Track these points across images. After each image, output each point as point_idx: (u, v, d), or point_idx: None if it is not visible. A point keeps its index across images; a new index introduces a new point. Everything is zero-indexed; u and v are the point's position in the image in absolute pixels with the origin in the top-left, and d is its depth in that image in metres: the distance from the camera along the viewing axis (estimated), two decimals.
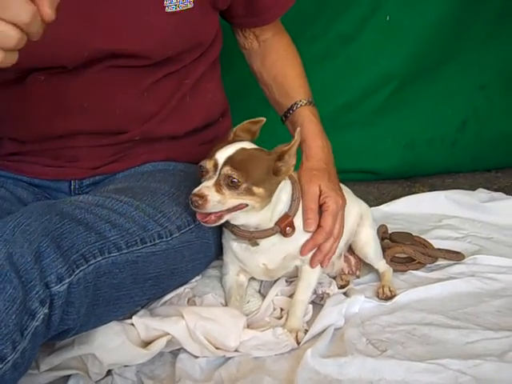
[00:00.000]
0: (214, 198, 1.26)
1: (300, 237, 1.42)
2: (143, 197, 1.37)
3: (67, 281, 1.09)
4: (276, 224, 1.38)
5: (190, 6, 1.43)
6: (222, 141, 1.37)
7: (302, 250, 1.43)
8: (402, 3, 2.38)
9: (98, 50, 1.39)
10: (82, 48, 1.38)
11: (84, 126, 1.46)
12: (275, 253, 1.44)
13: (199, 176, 1.31)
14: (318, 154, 1.51)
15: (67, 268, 1.10)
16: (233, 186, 1.27)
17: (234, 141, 1.34)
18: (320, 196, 1.44)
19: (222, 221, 1.31)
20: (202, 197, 1.25)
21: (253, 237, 1.39)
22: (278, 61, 1.66)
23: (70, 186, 1.52)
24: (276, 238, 1.41)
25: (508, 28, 2.47)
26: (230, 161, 1.27)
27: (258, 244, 1.41)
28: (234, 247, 1.46)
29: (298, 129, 1.37)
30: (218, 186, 1.27)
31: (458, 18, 2.41)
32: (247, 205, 1.30)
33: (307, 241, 1.43)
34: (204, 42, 1.54)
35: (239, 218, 1.34)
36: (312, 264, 1.46)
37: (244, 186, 1.27)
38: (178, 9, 1.41)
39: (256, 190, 1.29)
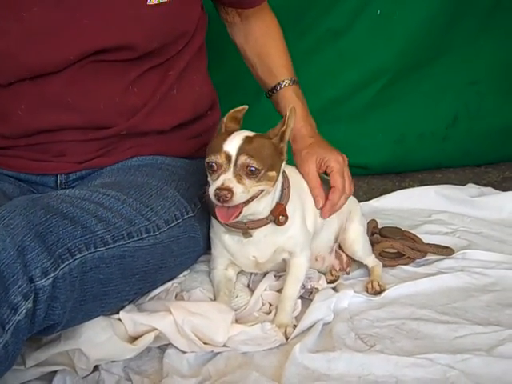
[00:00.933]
0: (238, 190, 1.25)
1: (290, 227, 1.42)
2: (130, 191, 1.36)
3: (52, 275, 1.08)
4: (270, 213, 1.38)
5: None
6: (216, 135, 1.36)
7: (323, 213, 1.50)
8: None
9: (84, 50, 1.39)
10: (67, 53, 1.39)
11: (69, 120, 1.44)
12: (266, 245, 1.44)
13: (209, 172, 1.29)
14: (304, 134, 1.57)
15: (52, 262, 1.09)
16: (252, 174, 1.27)
17: (230, 132, 1.33)
18: (320, 166, 1.51)
19: (242, 214, 1.30)
20: (228, 190, 1.24)
21: (247, 227, 1.39)
22: (260, 37, 1.69)
23: (57, 181, 1.50)
24: (268, 229, 1.40)
25: (498, 24, 2.48)
26: (243, 150, 1.27)
27: (251, 235, 1.41)
28: (226, 240, 1.45)
29: (291, 106, 1.37)
30: (238, 177, 1.26)
31: (449, 14, 2.41)
32: (263, 190, 1.31)
33: (324, 204, 1.49)
34: (188, 32, 1.53)
35: (250, 208, 1.33)
36: (324, 215, 1.51)
37: (262, 171, 1.28)
38: (161, 1, 1.41)
39: (271, 173, 1.30)
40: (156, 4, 1.41)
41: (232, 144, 1.28)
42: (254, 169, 1.26)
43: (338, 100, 2.44)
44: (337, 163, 1.51)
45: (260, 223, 1.39)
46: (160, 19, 1.43)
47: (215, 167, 1.28)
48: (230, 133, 1.32)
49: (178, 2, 1.44)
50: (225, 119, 1.35)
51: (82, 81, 1.42)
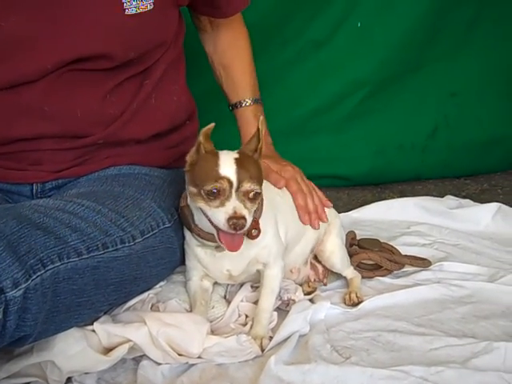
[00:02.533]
0: (247, 215, 1.26)
1: (263, 238, 1.42)
2: (106, 201, 1.35)
3: (23, 286, 1.07)
4: None
5: (150, 7, 1.42)
6: (201, 160, 1.31)
7: (304, 221, 1.55)
8: (373, 10, 2.40)
9: (61, 59, 1.39)
10: (45, 62, 1.38)
11: (46, 129, 1.43)
12: (240, 258, 1.43)
13: (210, 199, 1.26)
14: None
15: (24, 273, 1.07)
16: (254, 197, 1.29)
17: (212, 153, 1.31)
18: None
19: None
20: (243, 217, 1.25)
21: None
22: (227, 50, 1.73)
23: (33, 190, 1.49)
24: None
25: (478, 36, 2.51)
26: (243, 175, 1.27)
27: (224, 249, 1.39)
28: (198, 253, 1.45)
29: (261, 117, 1.38)
30: (242, 202, 1.27)
31: (430, 26, 2.44)
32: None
33: (299, 212, 1.54)
34: (166, 41, 1.53)
35: None
36: (314, 226, 1.56)
37: (260, 193, 1.30)
38: (139, 11, 1.40)
39: (261, 194, 1.33)
40: (134, 14, 1.40)
41: (228, 168, 1.27)
42: (257, 192, 1.28)
43: (319, 111, 2.46)
44: (288, 172, 1.59)
45: None
46: (138, 29, 1.42)
47: (217, 194, 1.26)
48: (213, 154, 1.30)
49: (156, 12, 1.44)
50: (202, 139, 1.32)
51: (59, 90, 1.42)
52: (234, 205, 1.25)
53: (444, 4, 2.41)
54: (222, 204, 1.26)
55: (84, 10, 1.37)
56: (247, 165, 1.30)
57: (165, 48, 1.53)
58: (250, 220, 1.28)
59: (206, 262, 1.45)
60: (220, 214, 1.25)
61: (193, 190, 1.30)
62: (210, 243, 1.40)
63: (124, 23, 1.40)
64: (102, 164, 1.51)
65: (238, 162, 1.29)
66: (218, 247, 1.40)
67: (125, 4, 1.39)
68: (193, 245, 1.45)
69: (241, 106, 1.70)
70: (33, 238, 1.13)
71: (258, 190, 1.28)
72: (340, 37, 2.41)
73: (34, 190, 1.49)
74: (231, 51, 1.72)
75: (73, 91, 1.42)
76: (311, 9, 2.36)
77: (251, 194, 1.28)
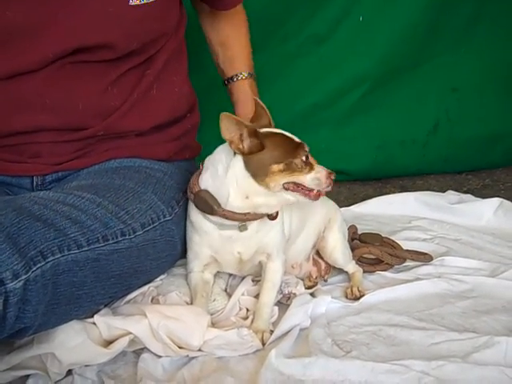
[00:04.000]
0: None
1: (273, 228, 1.45)
2: (106, 194, 1.35)
3: (23, 277, 1.07)
4: None
5: None
6: (273, 136, 1.37)
7: None
8: (375, 5, 2.39)
9: (63, 48, 1.38)
10: (47, 50, 1.37)
11: (47, 121, 1.43)
12: (252, 242, 1.45)
13: (302, 165, 1.35)
14: None
15: (24, 264, 1.07)
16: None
17: (269, 128, 1.40)
18: None
19: None
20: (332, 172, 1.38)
21: (246, 219, 1.39)
22: (226, 28, 1.74)
23: (33, 183, 1.48)
24: (258, 225, 1.43)
25: (480, 32, 2.50)
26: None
27: (246, 228, 1.41)
28: (212, 236, 1.44)
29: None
30: None
31: (431, 21, 2.43)
32: None
33: None
34: (168, 31, 1.53)
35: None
36: None
37: None
38: (142, 1, 1.40)
39: None
40: (138, 5, 1.41)
41: (297, 138, 1.37)
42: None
43: (320, 106, 2.44)
44: None
45: (258, 216, 1.40)
46: (141, 20, 1.42)
47: (306, 161, 1.35)
48: (275, 130, 1.39)
49: (159, 3, 1.44)
50: (248, 124, 1.37)
51: (61, 81, 1.41)
52: (319, 165, 1.37)
53: None
54: (312, 167, 1.35)
55: (87, 1, 1.37)
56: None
57: (166, 38, 1.53)
58: None
59: (218, 246, 1.45)
60: (319, 175, 1.35)
61: (277, 167, 1.34)
62: (234, 223, 1.41)
63: (127, 13, 1.40)
64: (102, 157, 1.50)
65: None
66: (241, 227, 1.41)
67: None
68: (206, 228, 1.43)
69: (237, 78, 1.71)
70: (33, 230, 1.12)
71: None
72: (341, 32, 2.40)
73: (34, 183, 1.48)
74: (230, 29, 1.73)
75: (74, 83, 1.42)
76: (313, 4, 2.35)
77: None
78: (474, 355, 1.30)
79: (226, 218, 1.39)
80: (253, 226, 1.42)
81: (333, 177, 1.37)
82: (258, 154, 1.35)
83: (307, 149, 1.36)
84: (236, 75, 1.71)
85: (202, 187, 1.40)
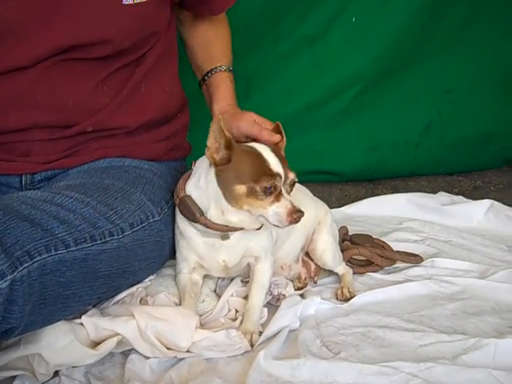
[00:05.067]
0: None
1: (259, 233, 1.42)
2: (95, 193, 1.34)
3: (9, 277, 1.06)
4: None
5: None
6: (246, 157, 1.31)
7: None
8: (368, 5, 2.39)
9: (56, 45, 1.38)
10: (40, 47, 1.37)
11: (37, 119, 1.42)
12: (236, 249, 1.43)
13: (265, 195, 1.28)
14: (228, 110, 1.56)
15: (10, 264, 1.06)
16: (293, 185, 1.34)
17: (251, 149, 1.32)
18: None
19: None
20: (301, 211, 1.29)
21: (228, 229, 1.38)
22: (208, 32, 1.70)
23: (22, 182, 1.47)
24: (242, 234, 1.41)
25: (473, 34, 2.50)
26: (285, 167, 1.31)
27: (228, 238, 1.41)
28: (196, 243, 1.44)
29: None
30: (288, 194, 1.31)
31: (424, 23, 2.43)
32: None
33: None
34: (159, 31, 1.53)
35: None
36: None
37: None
38: (136, 1, 1.41)
39: None
40: (131, 4, 1.41)
41: (276, 163, 1.30)
42: (296, 180, 1.32)
43: (312, 106, 2.44)
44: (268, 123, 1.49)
45: (238, 228, 1.39)
46: (134, 19, 1.43)
47: (271, 190, 1.28)
48: (250, 149, 1.32)
49: (152, 3, 1.44)
50: (228, 135, 1.31)
51: (52, 78, 1.41)
52: (288, 199, 1.29)
53: (439, 1, 2.40)
54: (277, 199, 1.28)
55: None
56: (280, 156, 1.33)
57: (158, 37, 1.53)
58: None
59: (203, 253, 1.45)
60: (280, 210, 1.28)
61: (240, 189, 1.29)
62: (216, 233, 1.40)
63: (120, 12, 1.40)
64: (91, 156, 1.49)
65: (275, 154, 1.31)
66: (223, 236, 1.40)
67: None
68: (191, 234, 1.43)
69: (216, 71, 1.63)
70: (19, 230, 1.12)
71: (297, 179, 1.32)
72: (334, 32, 2.40)
73: (23, 182, 1.47)
74: (211, 31, 1.70)
75: (65, 80, 1.42)
76: (306, 4, 2.34)
77: (293, 183, 1.33)
78: (463, 357, 1.30)
79: (207, 228, 1.38)
80: (235, 235, 1.41)
81: (297, 216, 1.27)
82: (225, 170, 1.31)
83: (278, 180, 1.28)
84: (215, 67, 1.64)
85: (187, 193, 1.39)
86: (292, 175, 1.31)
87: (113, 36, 1.41)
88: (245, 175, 1.29)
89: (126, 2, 1.40)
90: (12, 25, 1.36)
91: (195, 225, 1.40)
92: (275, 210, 1.28)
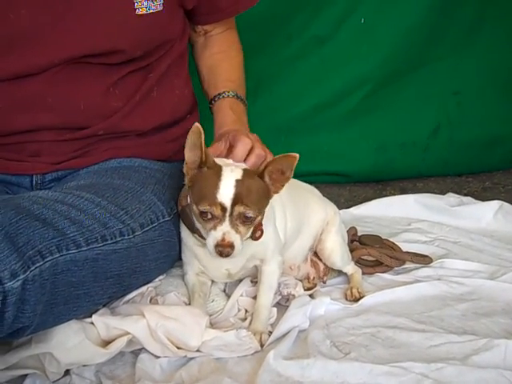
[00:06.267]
0: (238, 242, 1.26)
1: (265, 234, 1.40)
2: (105, 193, 1.34)
3: (22, 277, 1.06)
4: None
5: (159, 8, 1.44)
6: (203, 176, 1.28)
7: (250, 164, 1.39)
8: (377, 6, 2.39)
9: (69, 55, 1.39)
10: (53, 57, 1.39)
11: (48, 120, 1.43)
12: (239, 257, 1.40)
13: (203, 219, 1.26)
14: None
15: (22, 264, 1.07)
16: (247, 220, 1.27)
17: (216, 171, 1.27)
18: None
19: None
20: (231, 246, 1.25)
21: None
22: (216, 54, 1.68)
23: (32, 182, 1.48)
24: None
25: (482, 35, 2.50)
26: (238, 199, 1.25)
27: None
28: (197, 252, 1.44)
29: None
30: (235, 227, 1.26)
31: (433, 24, 2.42)
32: None
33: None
34: (172, 40, 1.54)
35: None
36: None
37: (256, 217, 1.28)
38: (149, 11, 1.42)
39: (259, 218, 1.31)
40: (144, 14, 1.42)
41: (226, 192, 1.25)
42: (249, 216, 1.26)
43: (321, 107, 2.44)
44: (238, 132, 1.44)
45: None
46: (147, 28, 1.44)
47: (210, 216, 1.26)
48: (216, 171, 1.27)
49: (165, 12, 1.46)
50: (204, 156, 1.27)
51: (63, 82, 1.42)
52: (223, 230, 1.25)
53: (448, 2, 2.40)
54: (215, 227, 1.26)
55: (95, 7, 1.39)
56: (248, 187, 1.27)
57: (171, 44, 1.54)
58: (240, 246, 1.26)
59: (205, 262, 1.45)
60: (210, 239, 1.26)
61: (193, 206, 1.30)
62: None
63: (134, 22, 1.42)
64: (101, 156, 1.50)
65: (239, 184, 1.26)
66: None
67: (136, 4, 1.41)
68: (191, 244, 1.44)
69: (218, 98, 1.60)
70: (31, 230, 1.12)
71: (251, 214, 1.26)
72: (343, 33, 2.40)
73: (34, 182, 1.48)
74: (221, 55, 1.67)
75: (76, 84, 1.43)
76: (315, 5, 2.34)
77: (244, 218, 1.26)
78: (473, 358, 1.30)
79: (202, 238, 1.37)
80: None
81: (223, 250, 1.24)
82: (191, 187, 1.31)
83: (217, 210, 1.23)
84: (219, 94, 1.60)
85: (189, 201, 1.36)
86: (240, 209, 1.24)
87: (126, 46, 1.43)
88: (195, 195, 1.29)
89: (140, 12, 1.42)
90: (23, 32, 1.37)
91: (195, 235, 1.41)
92: (208, 235, 1.27)
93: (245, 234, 1.28)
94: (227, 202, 1.24)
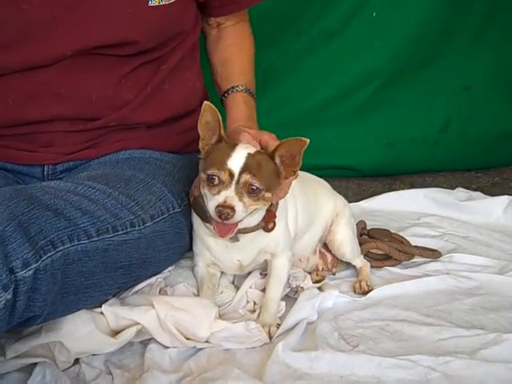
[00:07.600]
0: (239, 208, 1.26)
1: (274, 231, 1.42)
2: (117, 184, 1.35)
3: (33, 266, 1.07)
4: (262, 220, 1.38)
5: (172, 0, 1.44)
6: (219, 147, 1.31)
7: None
8: (387, 1, 2.37)
9: (81, 46, 1.40)
10: (65, 48, 1.39)
11: (59, 111, 1.44)
12: (250, 248, 1.44)
13: (209, 185, 1.27)
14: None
15: (34, 253, 1.07)
16: (253, 192, 1.27)
17: (232, 146, 1.30)
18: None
19: (235, 230, 1.31)
20: (231, 208, 1.24)
21: (238, 231, 1.37)
22: (230, 46, 1.68)
23: (44, 172, 1.49)
24: (254, 234, 1.40)
25: (493, 30, 2.48)
26: (247, 168, 1.26)
27: (238, 240, 1.40)
28: (210, 243, 1.45)
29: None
30: (239, 195, 1.26)
31: (445, 19, 2.41)
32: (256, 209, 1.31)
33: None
34: (184, 32, 1.54)
35: (243, 223, 1.33)
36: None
37: (262, 191, 1.28)
38: (161, 3, 1.42)
39: (267, 194, 1.30)
40: (156, 6, 1.42)
41: (236, 161, 1.27)
42: (255, 187, 1.27)
43: (331, 101, 2.43)
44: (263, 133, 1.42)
45: (249, 230, 1.38)
46: (160, 20, 1.44)
47: (216, 181, 1.27)
48: (231, 146, 1.30)
49: (177, 4, 1.46)
50: (225, 136, 1.32)
51: (75, 73, 1.43)
52: (227, 194, 1.25)
53: None
54: (219, 192, 1.26)
55: (107, 1, 1.39)
56: (258, 161, 1.28)
57: (182, 37, 1.54)
58: (242, 214, 1.26)
59: (217, 252, 1.46)
60: (212, 202, 1.26)
61: (202, 175, 1.31)
62: None
63: (146, 14, 1.42)
64: (113, 147, 1.50)
65: (250, 156, 1.28)
66: (232, 238, 1.39)
67: None
68: (203, 234, 1.45)
69: (232, 91, 1.59)
70: (43, 219, 1.13)
71: (257, 185, 1.26)
72: (353, 28, 2.38)
73: (45, 172, 1.49)
74: (233, 47, 1.67)
75: (88, 75, 1.43)
76: None
77: (249, 188, 1.26)
78: (482, 352, 1.30)
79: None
80: (247, 236, 1.40)
81: (224, 211, 1.24)
82: (205, 159, 1.33)
83: (224, 174, 1.25)
84: (231, 87, 1.60)
85: (202, 192, 1.36)
86: (247, 177, 1.26)
87: (138, 37, 1.43)
88: (206, 164, 1.30)
89: (152, 4, 1.42)
90: (36, 23, 1.37)
91: (207, 225, 1.41)
92: (210, 199, 1.27)
93: (249, 205, 1.27)
94: (236, 169, 1.26)
